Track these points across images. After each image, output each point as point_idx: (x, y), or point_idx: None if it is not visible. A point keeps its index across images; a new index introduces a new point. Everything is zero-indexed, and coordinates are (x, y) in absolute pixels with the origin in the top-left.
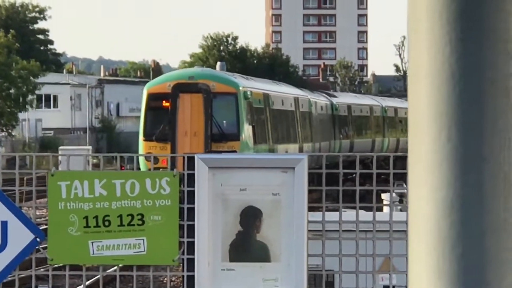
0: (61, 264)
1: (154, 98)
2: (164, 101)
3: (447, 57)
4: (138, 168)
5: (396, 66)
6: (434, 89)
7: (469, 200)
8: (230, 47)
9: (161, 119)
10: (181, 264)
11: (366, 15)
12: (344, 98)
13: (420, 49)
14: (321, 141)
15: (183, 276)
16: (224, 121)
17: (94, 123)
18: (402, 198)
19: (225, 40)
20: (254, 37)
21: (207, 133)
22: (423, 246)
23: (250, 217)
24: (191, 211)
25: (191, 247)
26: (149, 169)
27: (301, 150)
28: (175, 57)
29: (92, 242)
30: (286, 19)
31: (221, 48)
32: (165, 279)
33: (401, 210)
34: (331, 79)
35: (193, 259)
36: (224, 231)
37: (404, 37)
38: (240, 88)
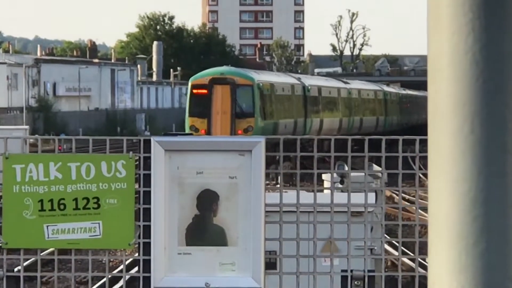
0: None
1: (196, 87)
2: (203, 90)
3: (470, 46)
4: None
5: (333, 46)
6: (456, 79)
7: (493, 194)
8: (167, 27)
9: (201, 102)
10: (137, 248)
11: None
12: (355, 85)
13: (441, 37)
14: (323, 117)
15: (139, 260)
16: (244, 104)
17: (31, 103)
18: (343, 178)
19: (161, 19)
20: (190, 16)
21: (232, 112)
22: (444, 241)
23: (207, 200)
24: (147, 194)
25: (147, 231)
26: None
27: (295, 124)
28: (111, 37)
29: (47, 226)
30: None
31: (158, 27)
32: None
33: (342, 191)
34: (268, 58)
35: (149, 243)
36: (180, 215)
37: (340, 17)
38: (255, 81)
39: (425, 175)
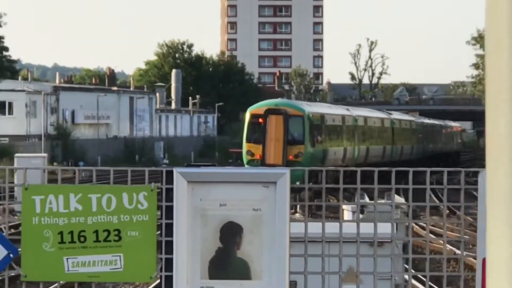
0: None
1: (253, 116)
2: (259, 119)
3: None
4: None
5: (352, 74)
6: None
7: None
8: (186, 55)
9: (257, 129)
10: (159, 281)
11: (321, 23)
12: (397, 116)
13: (501, 61)
14: (369, 145)
15: None
16: (295, 132)
17: (49, 130)
18: (363, 208)
19: (180, 47)
20: (209, 44)
21: (285, 139)
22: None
23: (230, 233)
24: (170, 226)
25: (169, 264)
26: (248, 161)
27: (344, 151)
28: (130, 64)
29: (67, 259)
30: (241, 26)
31: (177, 55)
32: None
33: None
34: (287, 87)
35: (171, 276)
36: (203, 248)
37: (359, 45)
38: (306, 112)
39: (448, 208)
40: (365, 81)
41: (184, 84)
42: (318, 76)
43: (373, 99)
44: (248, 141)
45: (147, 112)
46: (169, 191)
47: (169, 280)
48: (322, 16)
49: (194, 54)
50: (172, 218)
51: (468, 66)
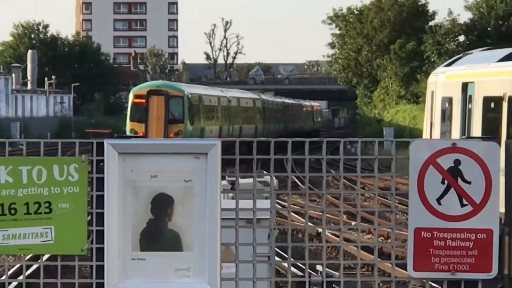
0: None
1: (136, 97)
2: (142, 99)
3: None
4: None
5: (207, 54)
6: None
7: None
8: (41, 35)
9: (140, 109)
10: (90, 254)
11: (176, 3)
12: (267, 97)
13: None
14: (242, 124)
15: (92, 266)
16: (176, 112)
17: None
18: (233, 185)
19: (36, 28)
20: (65, 25)
21: (166, 118)
22: None
23: (162, 204)
24: (101, 198)
25: (100, 236)
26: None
27: (220, 130)
28: None
29: None
30: (96, 7)
31: (32, 36)
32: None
33: (232, 198)
34: (142, 67)
35: (103, 248)
36: (134, 219)
37: (214, 25)
38: (185, 93)
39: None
40: (220, 61)
41: (40, 64)
42: (173, 56)
43: (228, 78)
44: (131, 120)
45: (3, 93)
46: (100, 163)
47: (100, 252)
48: None
49: (49, 34)
50: (103, 190)
51: (323, 45)
